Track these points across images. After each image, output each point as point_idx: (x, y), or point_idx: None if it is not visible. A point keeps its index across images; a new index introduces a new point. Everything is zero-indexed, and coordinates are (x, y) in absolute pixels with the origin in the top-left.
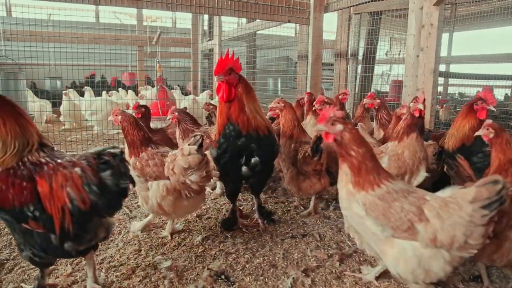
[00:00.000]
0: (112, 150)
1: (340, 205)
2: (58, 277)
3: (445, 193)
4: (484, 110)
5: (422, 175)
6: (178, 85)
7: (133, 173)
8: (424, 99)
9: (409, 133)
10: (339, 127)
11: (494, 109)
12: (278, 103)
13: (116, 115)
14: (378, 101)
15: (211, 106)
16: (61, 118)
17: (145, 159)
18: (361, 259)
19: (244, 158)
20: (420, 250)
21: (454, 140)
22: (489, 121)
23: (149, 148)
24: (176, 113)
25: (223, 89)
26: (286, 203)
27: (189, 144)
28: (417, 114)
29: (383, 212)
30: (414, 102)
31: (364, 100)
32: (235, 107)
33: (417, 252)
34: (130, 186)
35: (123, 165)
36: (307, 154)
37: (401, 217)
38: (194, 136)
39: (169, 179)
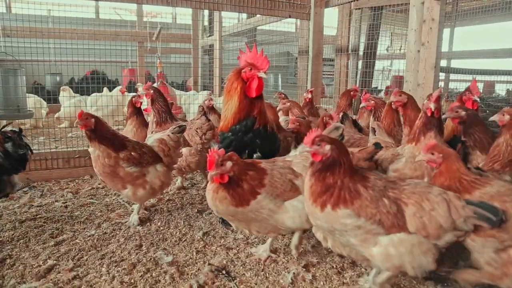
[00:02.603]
0: (14, 129)
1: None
2: (59, 272)
3: (297, 150)
4: (470, 100)
5: None
6: (183, 81)
7: (126, 166)
8: (438, 97)
9: (426, 132)
10: (228, 164)
11: (478, 100)
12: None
13: (86, 118)
14: (373, 102)
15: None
16: (57, 114)
17: (139, 148)
18: None
19: (246, 154)
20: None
21: (446, 131)
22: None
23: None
24: (152, 91)
25: (260, 84)
26: None
27: (173, 132)
28: (429, 114)
29: (270, 184)
30: (428, 100)
31: (361, 104)
32: (260, 101)
33: (303, 204)
34: None
35: (21, 139)
36: None
37: (284, 180)
38: (180, 126)
39: (162, 161)
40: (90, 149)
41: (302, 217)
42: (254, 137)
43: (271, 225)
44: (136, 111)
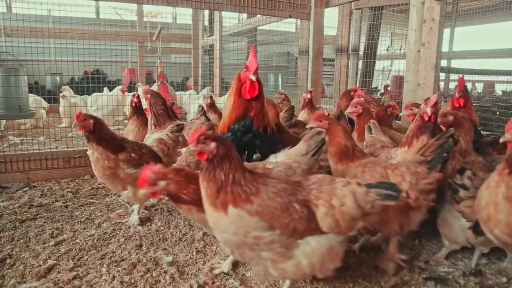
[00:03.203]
0: None
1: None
2: (60, 272)
3: (278, 157)
4: (454, 97)
5: None
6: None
7: (126, 168)
8: (436, 102)
9: (419, 136)
10: (162, 183)
11: (461, 94)
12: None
13: (85, 119)
14: (361, 109)
15: (213, 101)
16: (63, 93)
17: (138, 149)
18: (361, 254)
19: (246, 154)
20: None
21: None
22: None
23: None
24: (149, 95)
25: (256, 87)
26: None
27: (171, 132)
28: (426, 118)
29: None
30: (425, 104)
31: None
32: (258, 102)
33: None
34: None
35: None
36: None
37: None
38: (178, 125)
39: (162, 161)
40: (89, 152)
41: None
42: (254, 138)
43: None
44: (137, 110)
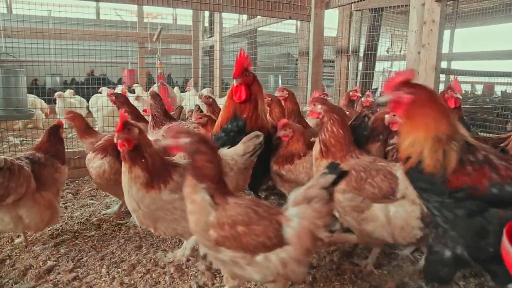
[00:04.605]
0: None
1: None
2: (59, 273)
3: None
4: (453, 98)
5: None
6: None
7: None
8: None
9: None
10: (135, 130)
11: (460, 97)
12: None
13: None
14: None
15: (210, 100)
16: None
17: None
18: (361, 255)
19: None
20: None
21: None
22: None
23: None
24: (149, 97)
25: (241, 91)
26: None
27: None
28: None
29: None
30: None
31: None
32: (250, 105)
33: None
34: None
35: None
36: None
37: None
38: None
39: None
40: (95, 164)
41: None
42: None
43: (183, 227)
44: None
